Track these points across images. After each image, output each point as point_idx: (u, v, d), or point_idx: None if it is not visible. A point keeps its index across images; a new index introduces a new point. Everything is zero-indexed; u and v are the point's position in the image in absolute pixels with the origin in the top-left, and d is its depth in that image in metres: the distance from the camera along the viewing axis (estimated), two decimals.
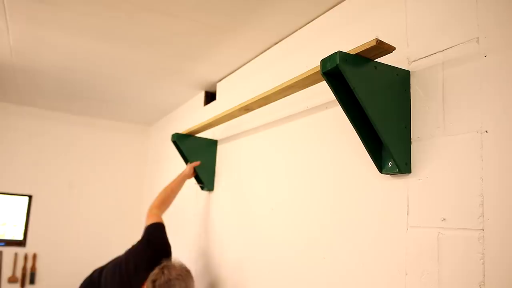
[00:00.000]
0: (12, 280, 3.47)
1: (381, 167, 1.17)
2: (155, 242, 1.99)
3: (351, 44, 1.19)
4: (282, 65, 1.85)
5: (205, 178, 2.36)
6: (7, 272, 3.48)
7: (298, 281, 1.53)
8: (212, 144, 2.41)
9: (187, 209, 2.72)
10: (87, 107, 3.59)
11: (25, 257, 3.53)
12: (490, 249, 0.91)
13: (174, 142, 2.29)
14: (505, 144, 0.91)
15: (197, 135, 2.36)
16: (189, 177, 2.32)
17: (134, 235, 2.73)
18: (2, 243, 3.54)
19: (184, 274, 1.80)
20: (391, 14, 1.28)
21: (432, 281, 1.02)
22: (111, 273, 2.00)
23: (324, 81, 1.17)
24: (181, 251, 2.71)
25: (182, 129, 2.40)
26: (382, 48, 1.07)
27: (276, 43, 1.93)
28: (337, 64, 1.05)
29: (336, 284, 1.34)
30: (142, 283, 1.86)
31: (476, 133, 0.97)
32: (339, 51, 1.06)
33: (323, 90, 1.47)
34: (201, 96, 2.82)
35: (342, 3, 1.52)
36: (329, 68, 1.07)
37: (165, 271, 1.76)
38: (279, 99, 1.65)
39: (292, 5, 1.59)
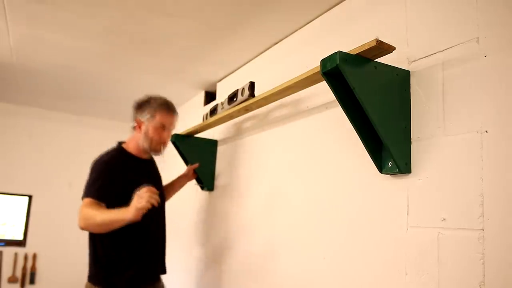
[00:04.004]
0: (12, 280, 3.47)
1: (381, 167, 1.17)
2: None
3: (351, 44, 1.19)
4: (282, 65, 1.85)
5: (205, 178, 2.36)
6: (7, 272, 3.48)
7: (298, 281, 1.53)
8: (212, 144, 2.41)
9: (187, 209, 2.72)
10: (87, 107, 3.60)
11: (25, 257, 3.54)
12: (490, 249, 0.91)
13: (174, 143, 2.29)
14: (505, 144, 0.91)
15: (197, 135, 2.36)
16: (190, 179, 2.31)
17: None
18: (2, 243, 3.54)
19: None
20: (391, 14, 1.28)
21: (432, 281, 1.02)
22: None
23: (324, 81, 1.17)
24: (181, 251, 2.71)
25: (182, 129, 2.40)
26: (382, 48, 1.07)
27: (276, 43, 1.93)
28: (337, 64, 1.05)
29: (336, 284, 1.34)
30: None
31: (476, 133, 0.97)
32: (339, 51, 1.06)
33: (323, 90, 1.47)
34: (201, 96, 2.82)
35: (342, 3, 1.52)
36: (329, 68, 1.07)
37: None
38: (279, 99, 1.65)
39: (292, 5, 1.59)
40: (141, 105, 1.92)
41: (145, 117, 1.88)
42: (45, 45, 2.19)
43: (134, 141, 1.92)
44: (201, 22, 1.81)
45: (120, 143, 1.95)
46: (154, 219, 1.88)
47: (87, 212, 1.67)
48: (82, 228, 1.69)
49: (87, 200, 1.70)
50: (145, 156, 1.94)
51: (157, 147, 1.90)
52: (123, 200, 1.67)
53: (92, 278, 1.78)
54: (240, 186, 2.09)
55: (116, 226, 1.65)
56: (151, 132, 1.87)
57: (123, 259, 1.76)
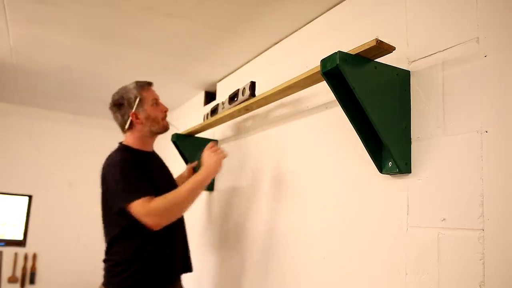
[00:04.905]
0: (12, 280, 3.47)
1: (381, 167, 1.17)
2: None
3: (351, 44, 1.19)
4: (282, 65, 1.85)
5: None
6: (7, 272, 3.48)
7: (298, 281, 1.53)
8: None
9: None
10: (87, 107, 3.60)
11: (25, 257, 3.54)
12: (490, 249, 0.91)
13: (174, 143, 2.29)
14: (505, 144, 0.91)
15: (197, 135, 2.36)
16: (189, 178, 2.30)
17: None
18: (2, 243, 3.54)
19: None
20: (391, 14, 1.28)
21: (432, 281, 1.02)
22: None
23: (324, 81, 1.17)
24: None
25: (182, 129, 2.40)
26: (382, 48, 1.07)
27: (276, 43, 1.93)
28: (337, 64, 1.05)
29: (336, 284, 1.34)
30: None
31: (476, 133, 0.97)
32: (339, 51, 1.06)
33: (323, 90, 1.47)
34: (201, 96, 2.82)
35: (342, 3, 1.52)
36: (329, 68, 1.07)
37: None
38: (279, 99, 1.65)
39: (292, 5, 1.59)
40: (122, 100, 1.80)
41: (135, 105, 1.76)
42: (45, 45, 2.19)
43: (133, 137, 1.81)
44: (201, 22, 1.81)
45: (121, 143, 1.87)
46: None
47: (157, 205, 1.57)
48: (162, 224, 1.59)
49: (139, 201, 1.57)
50: (150, 149, 1.88)
51: (165, 122, 1.85)
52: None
53: (110, 283, 1.66)
54: (240, 186, 2.09)
55: (202, 190, 1.72)
56: (152, 112, 1.79)
57: (147, 260, 1.65)
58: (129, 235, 1.65)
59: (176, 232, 1.79)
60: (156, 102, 1.83)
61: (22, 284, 3.49)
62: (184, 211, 1.68)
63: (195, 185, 1.67)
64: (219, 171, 1.76)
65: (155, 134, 1.85)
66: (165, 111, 1.86)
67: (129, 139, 1.82)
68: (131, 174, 1.65)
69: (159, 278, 1.69)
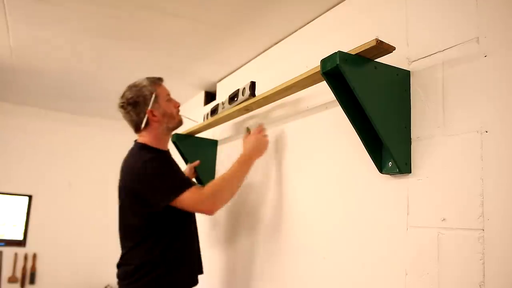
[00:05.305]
0: (12, 280, 3.47)
1: (381, 167, 1.17)
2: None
3: (351, 44, 1.19)
4: (282, 65, 1.85)
5: (205, 178, 2.35)
6: (7, 272, 3.48)
7: (298, 281, 1.53)
8: (212, 144, 2.41)
9: None
10: (87, 107, 3.60)
11: (25, 257, 3.54)
12: (490, 249, 0.91)
13: (174, 143, 2.29)
14: (505, 144, 0.91)
15: (197, 135, 2.36)
16: (190, 177, 2.30)
17: None
18: (2, 243, 3.54)
19: None
20: (391, 14, 1.28)
21: (432, 281, 1.02)
22: None
23: (324, 81, 1.18)
24: None
25: (182, 129, 2.40)
26: (382, 48, 1.07)
27: (276, 43, 1.93)
28: (337, 64, 1.05)
29: (336, 284, 1.34)
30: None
31: (476, 133, 0.97)
32: (339, 51, 1.06)
33: (323, 90, 1.47)
34: (201, 96, 2.82)
35: (342, 3, 1.52)
36: (329, 68, 1.07)
37: None
38: (279, 99, 1.65)
39: (292, 5, 1.60)
40: (137, 98, 1.69)
41: (151, 102, 1.67)
42: (45, 45, 2.19)
43: (150, 136, 1.71)
44: (201, 22, 1.81)
45: (137, 142, 1.74)
46: (193, 216, 1.78)
47: (210, 190, 1.58)
48: (218, 208, 1.62)
49: (190, 190, 1.54)
50: (166, 148, 1.80)
51: (179, 117, 1.80)
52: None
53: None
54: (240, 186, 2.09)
55: (247, 172, 1.69)
56: (167, 108, 1.72)
57: (171, 262, 1.60)
58: (153, 237, 1.60)
59: (193, 233, 1.76)
60: (169, 97, 1.77)
61: (22, 284, 3.49)
62: (234, 193, 1.67)
63: (241, 166, 1.67)
64: (262, 155, 1.75)
65: (171, 130, 1.79)
66: (178, 106, 1.80)
67: (146, 138, 1.72)
68: (169, 169, 1.63)
69: (183, 281, 1.64)
